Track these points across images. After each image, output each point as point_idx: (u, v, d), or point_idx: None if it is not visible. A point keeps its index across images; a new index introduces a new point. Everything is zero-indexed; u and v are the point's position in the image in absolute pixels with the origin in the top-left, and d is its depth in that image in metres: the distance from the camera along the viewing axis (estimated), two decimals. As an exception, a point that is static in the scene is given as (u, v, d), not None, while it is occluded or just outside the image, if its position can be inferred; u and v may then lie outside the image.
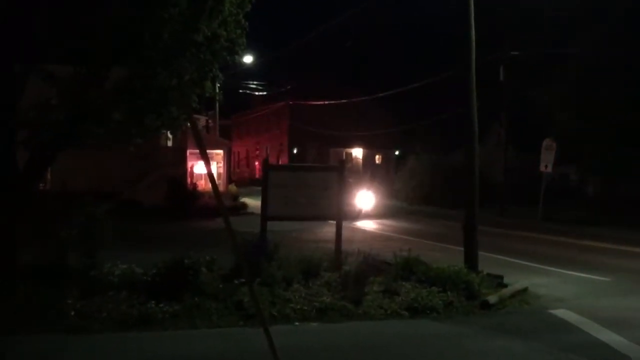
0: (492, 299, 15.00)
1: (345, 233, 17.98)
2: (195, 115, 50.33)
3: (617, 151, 42.63)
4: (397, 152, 77.82)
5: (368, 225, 35.52)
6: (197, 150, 43.58)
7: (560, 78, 44.80)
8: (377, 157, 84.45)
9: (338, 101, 65.52)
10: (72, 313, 12.41)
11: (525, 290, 16.42)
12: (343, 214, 18.04)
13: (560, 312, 14.21)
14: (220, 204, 7.37)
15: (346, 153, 76.90)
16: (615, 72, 41.05)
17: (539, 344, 11.70)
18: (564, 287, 17.42)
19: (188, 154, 44.36)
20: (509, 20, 46.26)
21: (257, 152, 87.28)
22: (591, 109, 42.69)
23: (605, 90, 41.64)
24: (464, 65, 18.50)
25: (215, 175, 41.78)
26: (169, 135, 39.10)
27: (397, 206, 53.15)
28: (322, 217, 17.84)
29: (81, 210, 15.90)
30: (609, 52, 39.94)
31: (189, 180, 44.83)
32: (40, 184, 24.97)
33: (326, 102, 66.98)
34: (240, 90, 69.79)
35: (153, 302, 12.96)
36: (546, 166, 41.28)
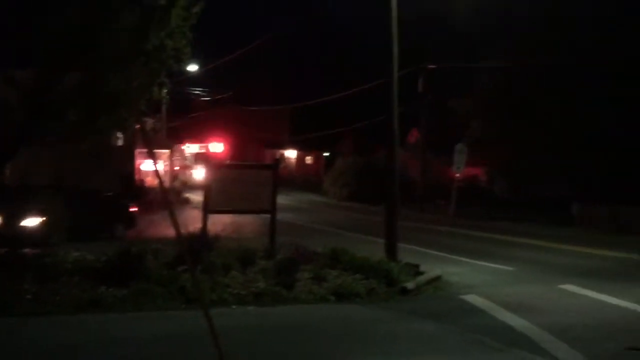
0: (410, 285, 15.12)
1: (292, 225, 18.02)
2: (144, 118, 49.97)
3: (522, 158, 43.42)
4: (326, 154, 78.10)
5: (298, 219, 35.46)
6: (145, 150, 43.25)
7: (475, 89, 45.42)
8: (307, 158, 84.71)
9: (274, 107, 65.72)
10: (28, 297, 12.27)
11: (439, 277, 16.60)
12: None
13: (470, 298, 14.38)
14: (165, 199, 7.36)
15: (280, 154, 76.86)
16: (528, 83, 41.70)
17: (450, 326, 11.81)
18: (473, 275, 17.65)
19: (136, 152, 43.95)
20: (429, 36, 46.71)
21: (206, 151, 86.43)
22: (501, 119, 43.40)
23: (506, 102, 42.42)
24: (386, 76, 18.60)
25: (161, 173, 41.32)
26: (119, 135, 38.61)
27: (325, 202, 53.38)
28: (258, 211, 17.79)
29: (37, 202, 15.73)
30: (523, 63, 40.48)
31: (137, 176, 44.43)
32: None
33: (263, 108, 67.23)
34: (187, 96, 69.28)
35: (103, 286, 12.90)
36: (458, 168, 41.82)
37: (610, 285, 15.97)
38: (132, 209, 26.34)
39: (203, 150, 65.92)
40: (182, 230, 15.24)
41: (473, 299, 14.27)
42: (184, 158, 71.73)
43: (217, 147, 69.69)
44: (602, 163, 38.65)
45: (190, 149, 75.18)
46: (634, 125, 35.87)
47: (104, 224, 23.84)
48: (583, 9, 38.14)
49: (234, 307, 12.92)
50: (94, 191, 26.67)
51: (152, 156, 5.81)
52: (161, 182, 4.73)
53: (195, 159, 69.88)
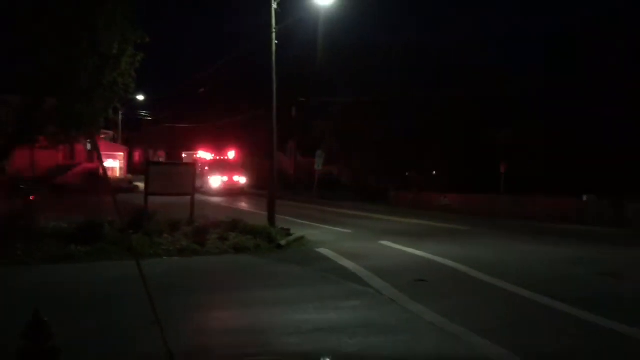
0: (283, 242, 15.35)
1: (198, 204, 17.86)
2: (105, 130, 48.55)
3: (358, 159, 44.62)
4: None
5: (210, 199, 35.10)
6: (107, 152, 41.66)
7: (328, 115, 46.25)
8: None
9: (197, 124, 64.83)
10: (19, 253, 11.94)
11: (302, 237, 16.78)
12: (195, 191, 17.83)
13: (322, 250, 14.64)
14: (107, 186, 7.31)
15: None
16: (362, 113, 42.81)
17: (308, 268, 12.09)
18: (325, 236, 17.90)
19: (102, 154, 42.73)
20: (300, 79, 47.09)
21: (149, 154, 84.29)
22: (346, 134, 44.45)
23: (350, 123, 43.47)
24: (269, 105, 18.73)
25: (118, 169, 40.30)
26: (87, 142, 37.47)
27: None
28: (183, 194, 17.54)
29: (28, 188, 15.19)
30: (360, 100, 41.50)
31: (101, 171, 43.20)
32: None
33: (190, 125, 66.26)
34: (137, 117, 67.64)
35: (74, 245, 12.61)
36: (318, 166, 42.26)
37: (411, 242, 16.38)
38: (31, 198, 21.11)
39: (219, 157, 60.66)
40: (130, 207, 15.05)
41: (324, 251, 14.52)
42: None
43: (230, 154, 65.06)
44: (410, 162, 40.06)
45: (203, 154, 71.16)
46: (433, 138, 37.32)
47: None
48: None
49: (164, 258, 12.82)
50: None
51: (99, 159, 5.78)
52: (105, 174, 4.68)
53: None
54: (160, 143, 77.48)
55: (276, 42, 18.22)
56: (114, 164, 51.37)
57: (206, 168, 42.09)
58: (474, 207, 29.84)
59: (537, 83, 34.95)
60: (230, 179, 41.30)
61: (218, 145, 64.62)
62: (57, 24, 11.95)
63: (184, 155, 67.92)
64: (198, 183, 39.97)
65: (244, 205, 31.59)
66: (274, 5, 18.13)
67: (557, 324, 7.68)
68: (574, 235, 19.76)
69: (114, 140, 56.04)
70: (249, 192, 42.16)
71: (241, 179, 42.62)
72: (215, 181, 40.95)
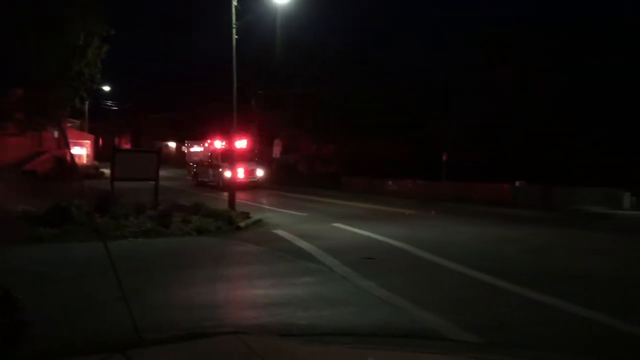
0: (242, 224, 15.30)
1: (169, 189, 17.64)
2: (72, 119, 47.23)
3: (313, 149, 44.72)
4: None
5: (173, 185, 34.52)
6: (75, 140, 40.64)
7: (285, 106, 46.05)
8: (182, 147, 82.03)
9: (160, 114, 63.81)
10: (-12, 235, 11.56)
11: (261, 220, 16.78)
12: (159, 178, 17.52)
13: (278, 231, 14.62)
14: (75, 172, 7.18)
15: (165, 144, 74.22)
16: (314, 104, 42.83)
17: (266, 248, 12.07)
18: (282, 219, 17.85)
19: (70, 142, 41.45)
20: (259, 72, 46.70)
21: (115, 141, 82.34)
22: (301, 124, 44.45)
23: (306, 114, 43.51)
24: (232, 98, 18.62)
25: (85, 156, 39.26)
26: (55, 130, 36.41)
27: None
28: (147, 179, 17.23)
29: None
30: (313, 94, 41.52)
31: (69, 158, 41.94)
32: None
33: (154, 114, 65.11)
34: (102, 105, 65.69)
35: (42, 228, 12.38)
36: (276, 154, 42.15)
37: (362, 224, 16.46)
38: None
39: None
40: (97, 191, 14.72)
41: (280, 232, 14.50)
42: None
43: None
44: (362, 151, 40.34)
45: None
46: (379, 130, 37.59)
47: None
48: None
49: (130, 239, 12.62)
50: None
51: (67, 145, 5.60)
52: (73, 161, 4.57)
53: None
54: (126, 131, 75.84)
55: (236, 37, 18.05)
56: (81, 151, 50.08)
57: (217, 159, 35.22)
58: (419, 192, 30.25)
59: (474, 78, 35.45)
60: (245, 171, 33.79)
61: (192, 134, 63.21)
62: (36, 16, 11.58)
63: (186, 144, 64.00)
64: (206, 176, 36.79)
65: (204, 190, 31.19)
66: (234, 3, 17.94)
67: (493, 297, 7.90)
68: (506, 217, 20.23)
69: (80, 128, 54.60)
70: (264, 185, 35.76)
71: (258, 171, 35.59)
72: (229, 174, 33.22)
